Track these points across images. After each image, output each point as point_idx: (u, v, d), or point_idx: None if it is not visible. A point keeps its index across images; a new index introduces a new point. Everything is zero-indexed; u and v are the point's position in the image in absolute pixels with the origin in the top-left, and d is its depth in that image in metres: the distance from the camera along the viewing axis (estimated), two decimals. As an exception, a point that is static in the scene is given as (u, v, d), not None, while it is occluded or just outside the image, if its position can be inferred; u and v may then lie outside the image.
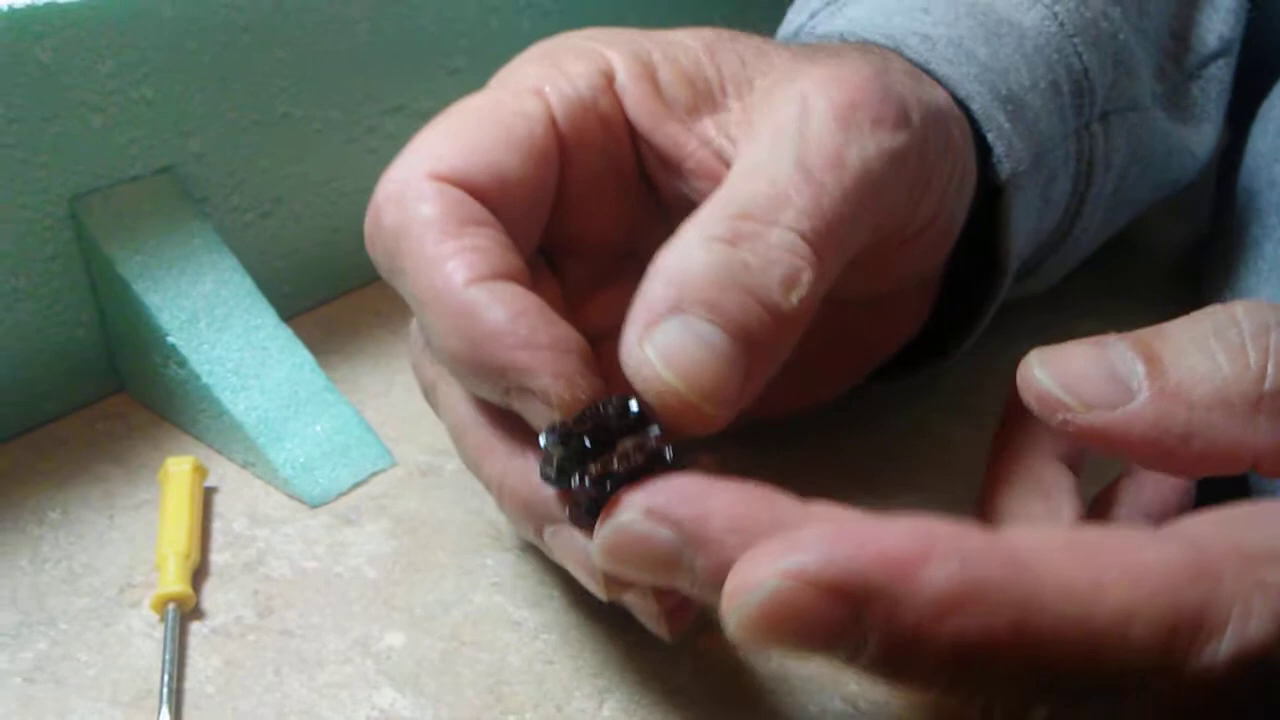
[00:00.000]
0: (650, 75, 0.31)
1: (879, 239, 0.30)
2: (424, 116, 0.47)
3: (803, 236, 0.26)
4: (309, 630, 0.32)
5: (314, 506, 0.36)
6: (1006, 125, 0.34)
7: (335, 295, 0.47)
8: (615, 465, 0.24)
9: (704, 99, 0.31)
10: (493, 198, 0.28)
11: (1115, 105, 0.40)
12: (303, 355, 0.39)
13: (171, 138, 0.39)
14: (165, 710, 0.29)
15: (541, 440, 0.25)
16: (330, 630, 0.32)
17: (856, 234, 0.28)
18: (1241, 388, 0.22)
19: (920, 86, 0.31)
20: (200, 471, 0.36)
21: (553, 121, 0.30)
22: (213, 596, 0.33)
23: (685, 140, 0.30)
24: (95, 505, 0.36)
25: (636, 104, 0.30)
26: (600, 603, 0.33)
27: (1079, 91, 0.37)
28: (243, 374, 0.37)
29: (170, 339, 0.37)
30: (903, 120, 0.29)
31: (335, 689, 0.30)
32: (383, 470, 0.38)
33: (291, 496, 0.37)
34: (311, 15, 0.41)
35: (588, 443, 0.25)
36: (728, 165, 0.30)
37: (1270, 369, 0.22)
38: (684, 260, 0.26)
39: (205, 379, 0.37)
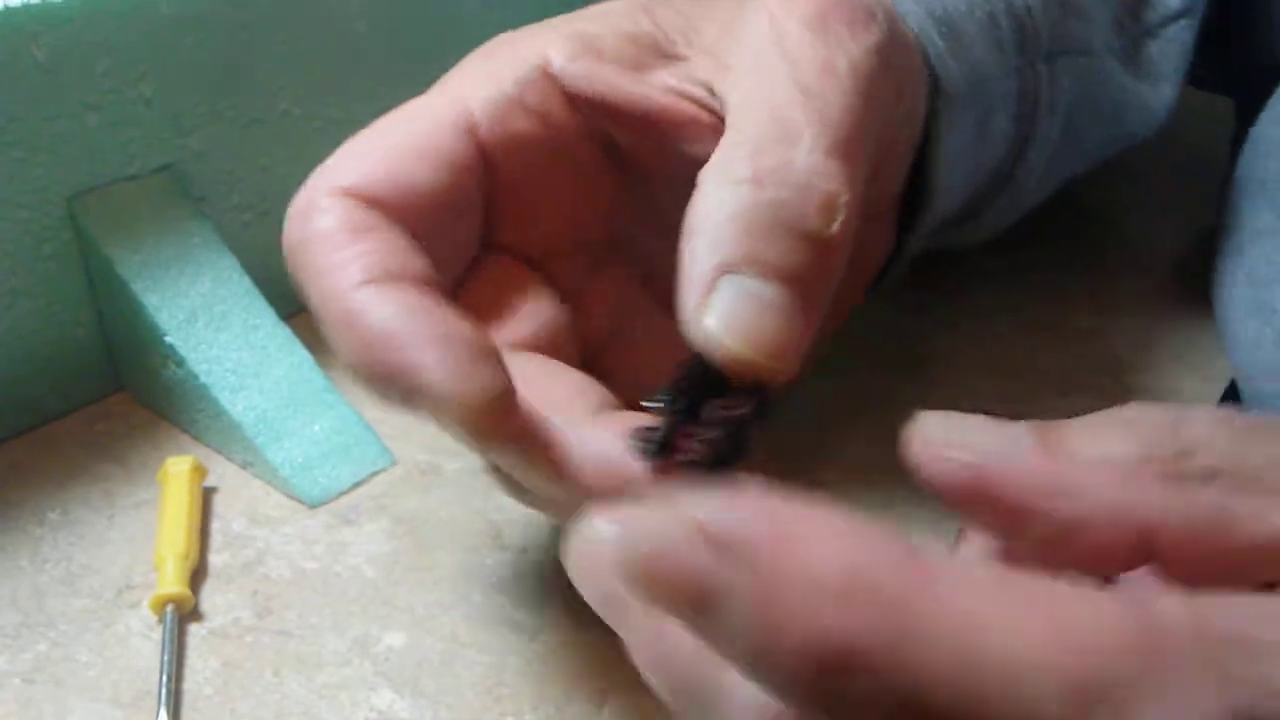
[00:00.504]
0: (591, 48, 0.30)
1: (880, 148, 0.30)
2: (423, 114, 0.47)
3: (826, 155, 0.26)
4: (308, 631, 0.32)
5: (313, 506, 0.36)
6: (940, 45, 0.34)
7: (335, 293, 0.47)
8: (712, 432, 0.24)
9: (653, 53, 0.31)
10: (398, 208, 0.28)
11: (1063, 47, 0.39)
12: (302, 354, 0.39)
13: (170, 136, 0.38)
14: (164, 711, 0.29)
15: (634, 432, 0.25)
16: (329, 631, 0.32)
17: (869, 141, 0.28)
18: (1135, 451, 0.20)
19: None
20: (199, 472, 0.36)
21: (468, 126, 0.29)
22: (211, 597, 0.33)
23: (647, 91, 0.30)
24: (95, 505, 0.36)
25: (583, 77, 0.30)
26: (600, 603, 0.33)
27: (1020, 28, 0.37)
28: (241, 373, 0.37)
29: (168, 338, 0.37)
30: (872, 17, 0.29)
31: (334, 690, 0.30)
32: (382, 470, 0.38)
33: (290, 496, 0.36)
34: (311, 12, 0.41)
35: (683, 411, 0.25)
36: (705, 108, 0.30)
37: (1160, 440, 0.20)
38: (715, 215, 0.25)
39: (203, 378, 0.36)
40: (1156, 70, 0.46)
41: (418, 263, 0.27)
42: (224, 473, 0.37)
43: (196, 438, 0.39)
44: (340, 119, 0.43)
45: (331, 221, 0.27)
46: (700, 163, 0.28)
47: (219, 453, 0.38)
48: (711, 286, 0.25)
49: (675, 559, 0.16)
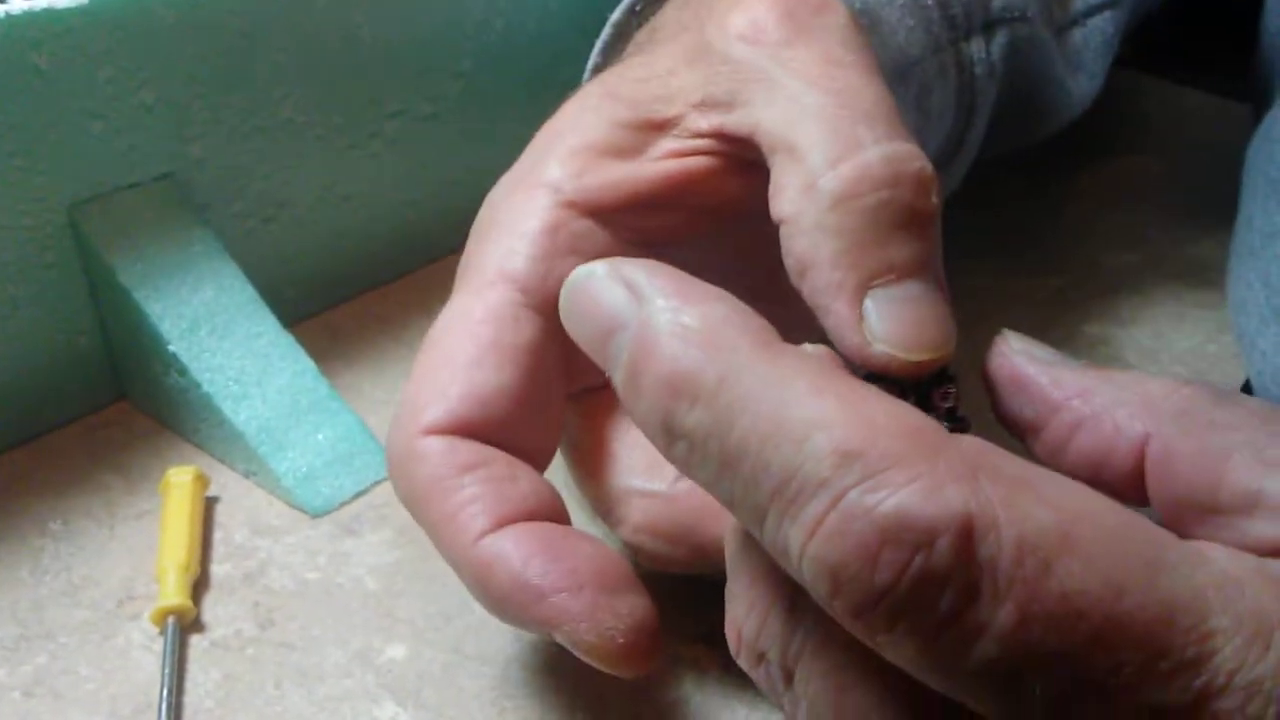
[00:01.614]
0: (588, 157, 0.30)
1: None
2: (427, 121, 0.47)
3: (888, 139, 0.26)
4: (310, 643, 0.32)
5: (316, 516, 0.36)
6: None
7: (338, 301, 0.46)
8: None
9: (643, 130, 0.30)
10: (487, 422, 0.28)
11: (1001, 15, 0.40)
12: (305, 363, 0.38)
13: (171, 144, 0.38)
14: (164, 725, 0.29)
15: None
16: (331, 643, 0.32)
17: (895, 103, 0.28)
18: (1162, 386, 0.22)
19: None
20: (202, 481, 0.36)
21: (522, 302, 0.29)
22: (213, 609, 0.33)
23: (660, 168, 0.30)
24: (96, 515, 0.36)
25: (596, 190, 0.30)
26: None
27: (946, 4, 0.38)
28: (244, 382, 0.37)
29: (171, 347, 0.36)
30: (830, 0, 0.29)
31: (336, 702, 0.30)
32: (386, 479, 0.37)
33: (293, 506, 0.36)
34: (312, 19, 0.41)
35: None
36: (717, 155, 0.30)
37: (1190, 390, 0.22)
38: (824, 242, 0.25)
39: (206, 387, 0.36)
40: (1078, 59, 0.46)
41: (527, 487, 0.27)
42: (226, 482, 0.37)
43: (199, 447, 0.38)
44: (343, 127, 0.43)
45: (434, 468, 0.27)
46: (727, 209, 0.29)
47: (221, 462, 0.38)
48: (858, 311, 0.25)
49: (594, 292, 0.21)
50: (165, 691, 0.30)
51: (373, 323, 0.45)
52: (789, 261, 0.26)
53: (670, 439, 0.20)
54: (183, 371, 0.36)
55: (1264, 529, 0.20)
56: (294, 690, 0.30)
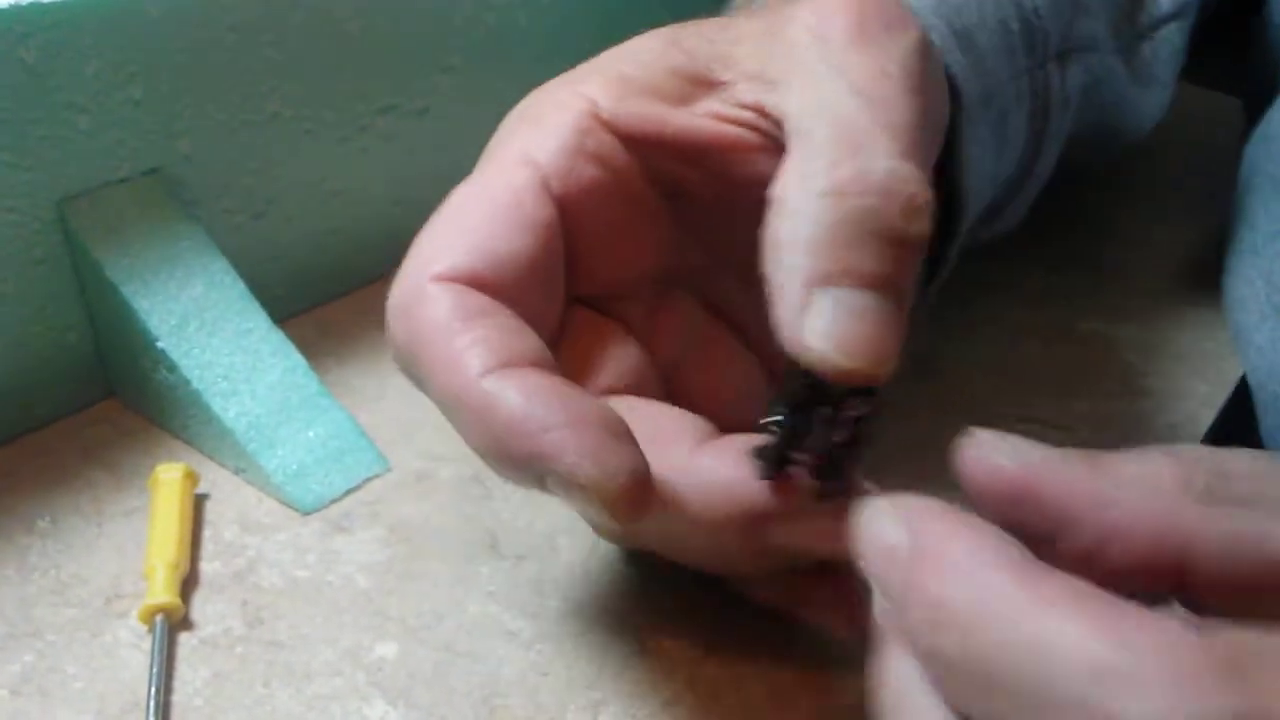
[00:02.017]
0: (633, 87, 0.30)
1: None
2: (418, 116, 0.47)
3: (901, 158, 0.26)
4: (299, 641, 0.32)
5: (306, 513, 0.36)
6: (962, 59, 0.35)
7: (330, 298, 0.46)
8: (829, 439, 0.25)
9: (693, 83, 0.31)
10: (497, 282, 0.28)
11: (1074, 45, 0.40)
12: (295, 359, 0.38)
13: (160, 139, 0.38)
14: (152, 724, 0.29)
15: (758, 471, 0.26)
16: (321, 641, 0.32)
17: (928, 137, 0.28)
18: (1178, 474, 0.21)
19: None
20: (191, 478, 0.35)
21: (543, 185, 0.29)
22: (202, 607, 0.33)
23: (695, 122, 0.30)
24: (84, 513, 0.36)
25: (634, 116, 0.30)
26: (597, 613, 0.32)
27: (1029, 31, 0.38)
28: (233, 378, 0.37)
29: (160, 343, 0.36)
30: (906, 17, 0.30)
31: (325, 701, 0.30)
32: (377, 476, 0.37)
33: (283, 503, 0.36)
34: (301, 13, 0.40)
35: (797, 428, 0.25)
36: (753, 129, 0.30)
37: (1204, 471, 0.21)
38: (800, 230, 0.26)
39: (195, 384, 0.36)
40: (1149, 73, 0.46)
41: (533, 342, 0.27)
42: (216, 479, 0.37)
43: (188, 444, 0.38)
44: (332, 121, 0.43)
45: (442, 311, 0.27)
46: (754, 184, 0.29)
47: (211, 459, 0.38)
48: (808, 301, 0.25)
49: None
50: (153, 690, 0.30)
51: (364, 319, 0.45)
52: (766, 242, 0.26)
53: (934, 666, 0.20)
54: (171, 368, 0.36)
55: None
56: (283, 689, 0.30)
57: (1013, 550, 0.20)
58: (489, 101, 0.49)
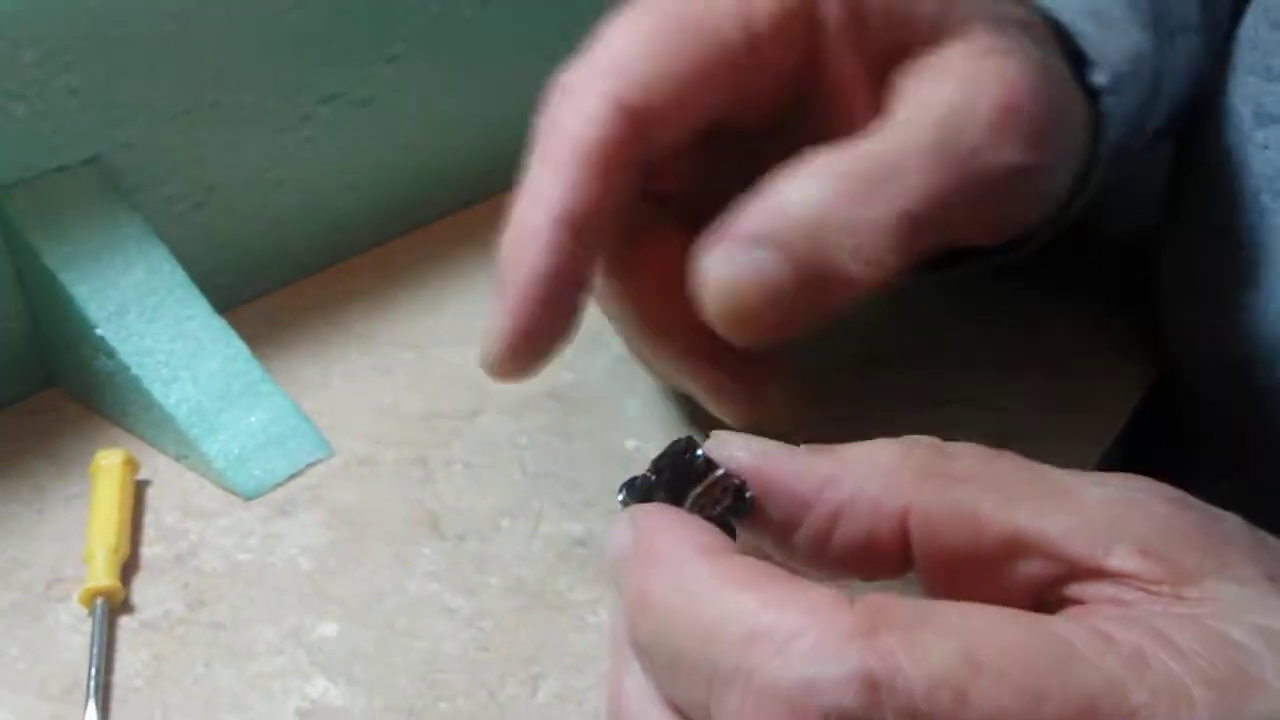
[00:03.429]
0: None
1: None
2: (362, 105, 0.47)
3: (901, 216, 0.27)
4: (240, 622, 0.32)
5: (248, 498, 0.36)
6: (1095, 35, 0.35)
7: (274, 287, 0.46)
8: (703, 513, 0.24)
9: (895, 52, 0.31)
10: (660, 120, 0.29)
11: (1176, 25, 0.40)
12: (237, 346, 0.38)
13: (98, 127, 0.38)
14: (92, 704, 0.29)
15: (620, 498, 0.25)
16: (262, 622, 0.32)
17: (955, 225, 0.30)
18: (899, 455, 0.23)
19: (1064, 87, 0.32)
20: (131, 465, 0.35)
21: (746, 26, 0.30)
22: (143, 590, 0.33)
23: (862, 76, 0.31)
24: (25, 500, 0.36)
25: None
26: (536, 590, 0.33)
27: (1154, 7, 0.38)
28: (174, 365, 0.37)
29: (98, 330, 0.36)
30: (1045, 140, 0.30)
31: (266, 679, 0.30)
32: (319, 461, 0.38)
33: (225, 489, 0.36)
34: (241, 1, 0.40)
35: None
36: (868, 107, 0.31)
37: (922, 450, 0.23)
38: (781, 201, 0.28)
39: (135, 370, 0.36)
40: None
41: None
42: (158, 466, 0.37)
43: (130, 431, 0.38)
44: (275, 110, 0.43)
45: (590, 133, 0.29)
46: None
47: (153, 446, 0.38)
48: (733, 241, 0.27)
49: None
50: (93, 671, 0.30)
51: (309, 309, 0.45)
52: (764, 182, 0.28)
53: (644, 658, 0.21)
54: (111, 354, 0.36)
55: (1031, 569, 0.21)
56: (224, 669, 0.30)
57: (714, 541, 0.21)
58: (434, 91, 0.49)
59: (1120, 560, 0.20)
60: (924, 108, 0.29)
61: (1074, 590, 0.21)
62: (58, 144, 0.37)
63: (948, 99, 0.29)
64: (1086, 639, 0.18)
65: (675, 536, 0.21)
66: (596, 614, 0.32)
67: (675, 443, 0.25)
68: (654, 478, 0.24)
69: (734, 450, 0.24)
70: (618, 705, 0.22)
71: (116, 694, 0.30)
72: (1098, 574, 0.20)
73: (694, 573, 0.20)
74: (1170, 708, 0.17)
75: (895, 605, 0.19)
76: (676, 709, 0.21)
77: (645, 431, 0.39)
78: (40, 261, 0.36)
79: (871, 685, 0.17)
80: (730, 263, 0.27)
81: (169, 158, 0.40)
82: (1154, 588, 0.20)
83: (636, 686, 0.21)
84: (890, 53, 0.31)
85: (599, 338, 0.44)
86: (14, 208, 0.36)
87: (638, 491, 0.24)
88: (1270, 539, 0.22)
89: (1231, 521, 0.21)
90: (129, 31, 0.38)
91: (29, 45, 0.36)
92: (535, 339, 0.30)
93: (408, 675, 0.30)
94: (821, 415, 0.40)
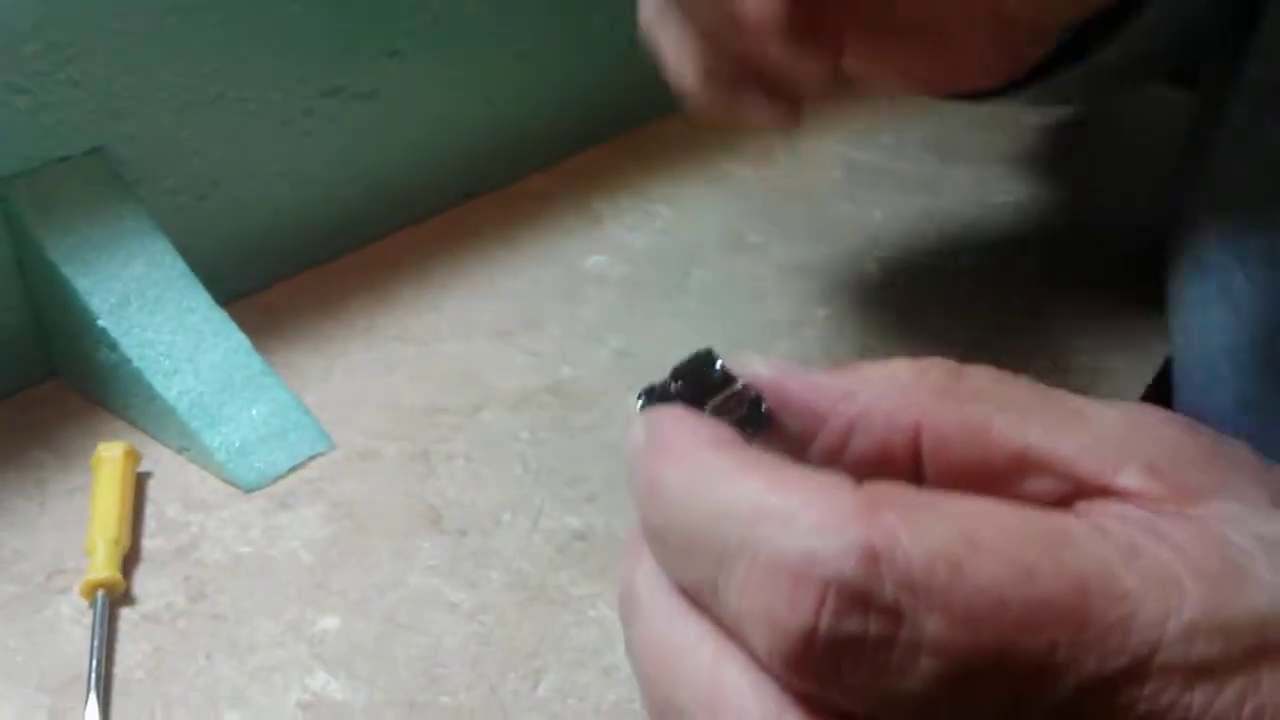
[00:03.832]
0: None
1: None
2: (365, 98, 0.47)
3: None
4: (241, 615, 0.32)
5: (249, 491, 0.36)
6: None
7: (276, 280, 0.46)
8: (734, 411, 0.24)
9: None
10: None
11: None
12: (238, 338, 0.38)
13: (101, 119, 0.38)
14: (93, 697, 0.29)
15: (639, 403, 0.25)
16: (263, 615, 0.32)
17: None
18: (915, 373, 0.23)
19: None
20: (133, 457, 0.35)
21: None
22: (144, 582, 0.33)
23: None
24: (26, 492, 0.36)
25: None
26: (537, 584, 0.33)
27: None
28: (175, 357, 0.37)
29: (100, 322, 0.36)
30: None
31: (267, 672, 0.30)
32: (321, 454, 0.38)
33: (227, 481, 0.36)
34: (244, -5, 0.40)
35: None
36: None
37: (938, 369, 0.23)
38: None
39: (137, 363, 0.36)
40: None
41: None
42: (159, 458, 0.37)
43: (131, 423, 0.38)
44: (277, 103, 0.43)
45: None
46: None
47: (154, 438, 0.38)
48: None
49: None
50: (94, 663, 0.30)
51: (311, 301, 0.45)
52: None
53: (655, 544, 0.21)
54: (113, 347, 0.36)
55: (1039, 485, 0.21)
56: (225, 661, 0.30)
57: (726, 435, 0.22)
58: (436, 84, 0.49)
59: (1127, 479, 0.20)
60: None
61: (1081, 508, 0.21)
62: (60, 135, 0.37)
63: None
64: (1082, 529, 0.19)
65: (688, 428, 0.22)
66: (597, 608, 0.32)
67: (696, 354, 0.25)
68: (672, 385, 0.25)
69: (753, 365, 0.24)
70: (628, 594, 0.22)
71: (117, 686, 0.30)
72: (1105, 492, 0.21)
73: (705, 459, 0.21)
74: (1160, 593, 0.18)
75: (899, 489, 0.19)
76: (685, 593, 0.21)
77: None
78: (42, 253, 0.36)
79: (871, 556, 0.18)
80: None
81: (171, 150, 0.40)
82: (1158, 505, 0.20)
83: (646, 576, 0.22)
84: None
85: (599, 334, 0.44)
86: (16, 199, 0.36)
87: (655, 396, 0.25)
88: (1277, 468, 0.22)
89: (1239, 447, 0.22)
90: (131, 23, 0.38)
91: (31, 37, 0.35)
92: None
93: (409, 669, 0.30)
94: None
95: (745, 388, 0.24)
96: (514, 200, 0.53)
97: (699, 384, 0.24)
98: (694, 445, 0.21)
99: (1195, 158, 0.45)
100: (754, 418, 0.24)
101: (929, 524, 0.18)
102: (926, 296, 0.47)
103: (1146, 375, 0.43)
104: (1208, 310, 0.41)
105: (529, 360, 0.43)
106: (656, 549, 0.21)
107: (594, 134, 0.57)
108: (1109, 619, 0.18)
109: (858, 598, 0.18)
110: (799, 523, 0.18)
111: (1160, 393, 0.44)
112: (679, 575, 0.21)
